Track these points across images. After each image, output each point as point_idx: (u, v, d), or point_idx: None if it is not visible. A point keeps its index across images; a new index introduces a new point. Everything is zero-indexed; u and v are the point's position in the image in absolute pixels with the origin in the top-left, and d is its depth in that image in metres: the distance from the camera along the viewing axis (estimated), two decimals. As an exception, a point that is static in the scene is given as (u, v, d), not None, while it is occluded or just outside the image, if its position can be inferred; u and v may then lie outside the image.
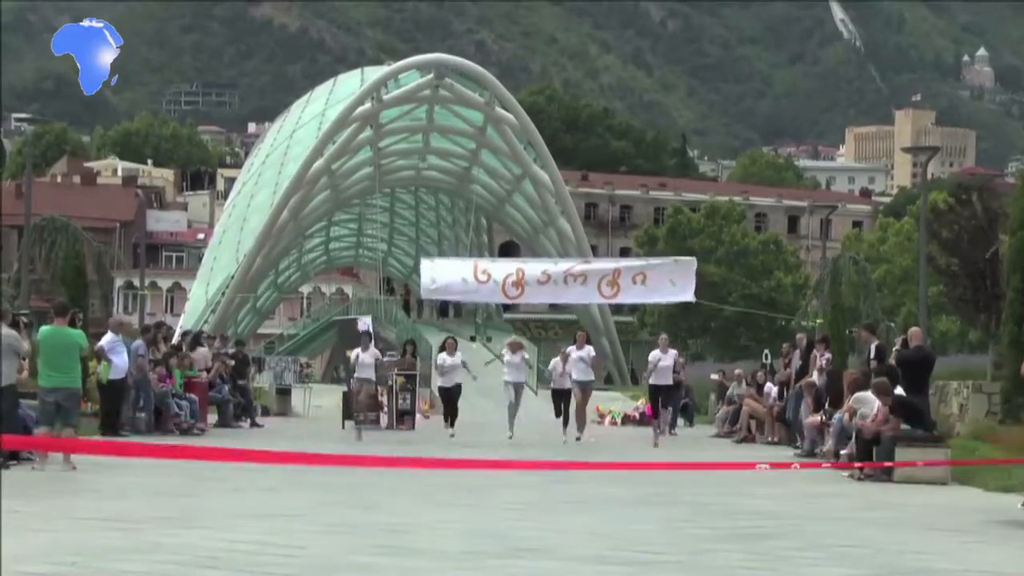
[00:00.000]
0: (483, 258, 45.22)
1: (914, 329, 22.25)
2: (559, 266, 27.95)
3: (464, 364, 27.86)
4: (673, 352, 27.03)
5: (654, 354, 26.68)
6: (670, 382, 26.92)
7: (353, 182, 61.87)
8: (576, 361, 25.63)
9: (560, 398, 26.99)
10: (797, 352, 26.54)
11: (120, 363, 23.15)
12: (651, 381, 26.50)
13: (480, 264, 28.43)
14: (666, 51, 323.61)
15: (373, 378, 28.21)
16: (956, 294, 35.90)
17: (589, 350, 26.32)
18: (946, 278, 36.32)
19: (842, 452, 19.91)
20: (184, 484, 14.75)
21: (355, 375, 28.18)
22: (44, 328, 17.21)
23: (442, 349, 28.01)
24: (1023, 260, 23.82)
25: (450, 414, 27.04)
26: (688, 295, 27.06)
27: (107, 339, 23.31)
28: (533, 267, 27.58)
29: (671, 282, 26.78)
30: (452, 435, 25.83)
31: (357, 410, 27.93)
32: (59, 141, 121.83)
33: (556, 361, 27.46)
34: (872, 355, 21.91)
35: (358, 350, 28.39)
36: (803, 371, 25.55)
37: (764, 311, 66.24)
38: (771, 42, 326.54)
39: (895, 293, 70.46)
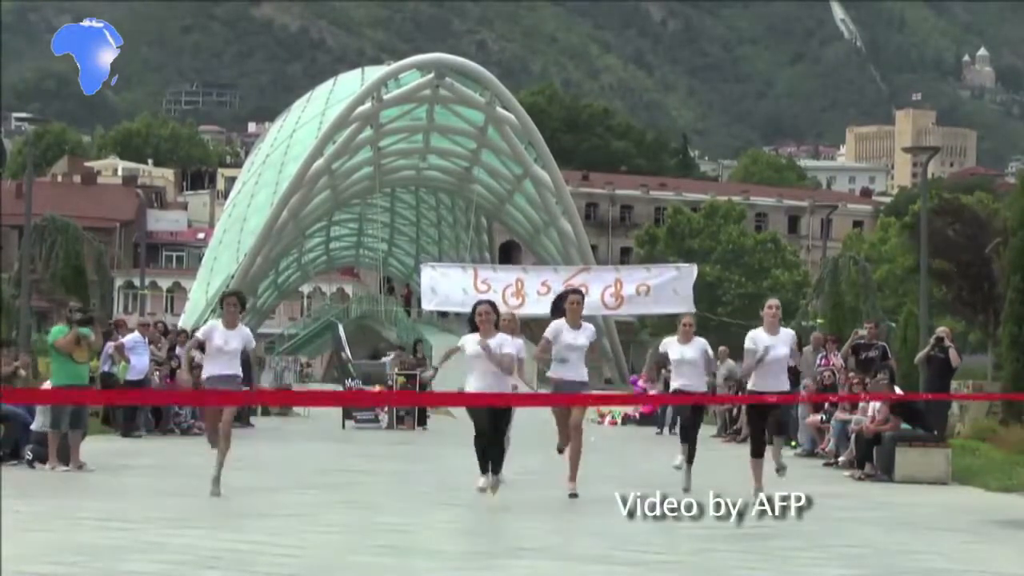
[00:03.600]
0: (484, 265, 45.06)
1: (944, 329, 22.28)
2: (559, 275, 27.98)
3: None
4: (701, 342, 15.52)
5: (673, 346, 15.71)
6: (699, 386, 15.72)
7: (353, 182, 61.86)
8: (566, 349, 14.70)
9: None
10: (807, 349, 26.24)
11: (140, 364, 23.11)
12: (674, 384, 15.72)
13: (480, 274, 28.44)
14: (667, 51, 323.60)
15: (236, 373, 14.26)
16: (953, 294, 35.98)
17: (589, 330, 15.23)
18: (942, 280, 36.39)
19: (841, 459, 19.92)
20: (184, 484, 14.74)
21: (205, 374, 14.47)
22: (56, 328, 17.20)
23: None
24: (1023, 260, 23.81)
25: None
26: (688, 304, 27.15)
27: (130, 338, 23.29)
28: (533, 278, 27.61)
29: (674, 291, 26.85)
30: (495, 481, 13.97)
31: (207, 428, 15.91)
32: (59, 141, 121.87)
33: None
34: (874, 354, 21.90)
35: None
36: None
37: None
38: (772, 42, 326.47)
39: (896, 293, 70.46)
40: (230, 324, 14.15)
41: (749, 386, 14.81)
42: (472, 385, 13.40)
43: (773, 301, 14.94)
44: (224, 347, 13.99)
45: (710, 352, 15.68)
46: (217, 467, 13.60)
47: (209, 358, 14.23)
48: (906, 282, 70.24)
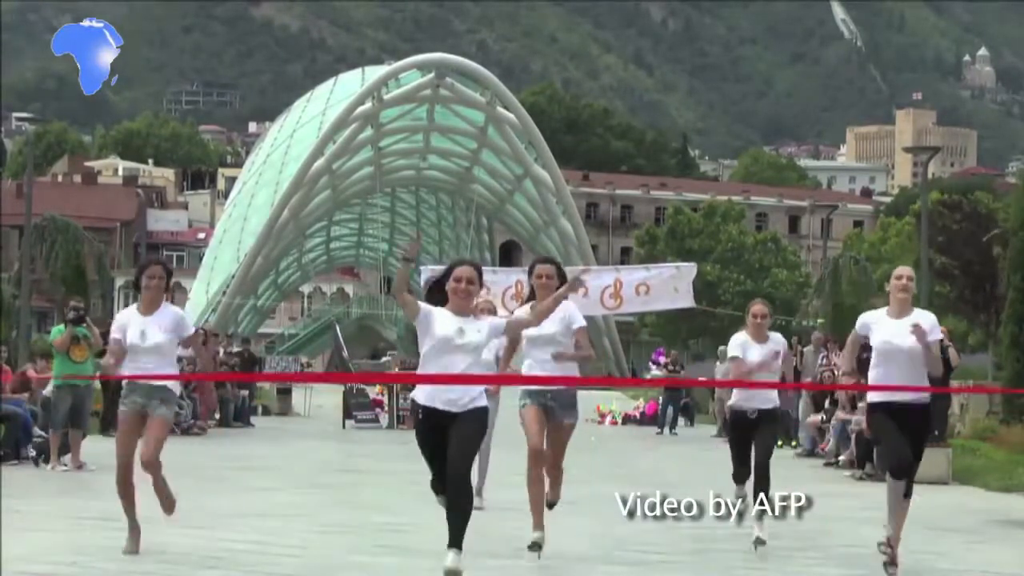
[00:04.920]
0: (483, 266, 45.05)
1: (942, 328, 22.26)
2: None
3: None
4: (778, 340, 11.23)
5: (744, 344, 11.11)
6: (772, 402, 11.06)
7: (353, 182, 61.85)
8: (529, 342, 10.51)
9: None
10: (808, 349, 26.18)
11: None
12: (735, 403, 11.16)
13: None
14: (667, 51, 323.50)
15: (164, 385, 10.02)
16: (955, 294, 36.02)
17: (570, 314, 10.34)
18: (944, 278, 36.44)
19: (841, 459, 19.92)
20: (184, 484, 14.73)
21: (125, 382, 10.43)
22: (56, 328, 17.23)
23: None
24: (1023, 260, 23.82)
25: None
26: (688, 300, 27.13)
27: None
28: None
29: (674, 289, 26.81)
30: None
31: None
32: (60, 141, 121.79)
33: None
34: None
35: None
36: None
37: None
38: (772, 42, 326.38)
39: (896, 293, 70.35)
40: (150, 307, 9.70)
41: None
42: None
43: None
44: (142, 343, 9.60)
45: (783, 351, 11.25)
46: (130, 526, 9.65)
47: (128, 360, 9.69)
48: (906, 282, 70.12)
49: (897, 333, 9.56)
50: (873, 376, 9.70)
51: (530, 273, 10.22)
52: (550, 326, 9.79)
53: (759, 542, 10.23)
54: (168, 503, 9.89)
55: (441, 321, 8.64)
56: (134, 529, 9.60)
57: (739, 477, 10.90)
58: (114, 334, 9.76)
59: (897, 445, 9.48)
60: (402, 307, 9.08)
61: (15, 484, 13.71)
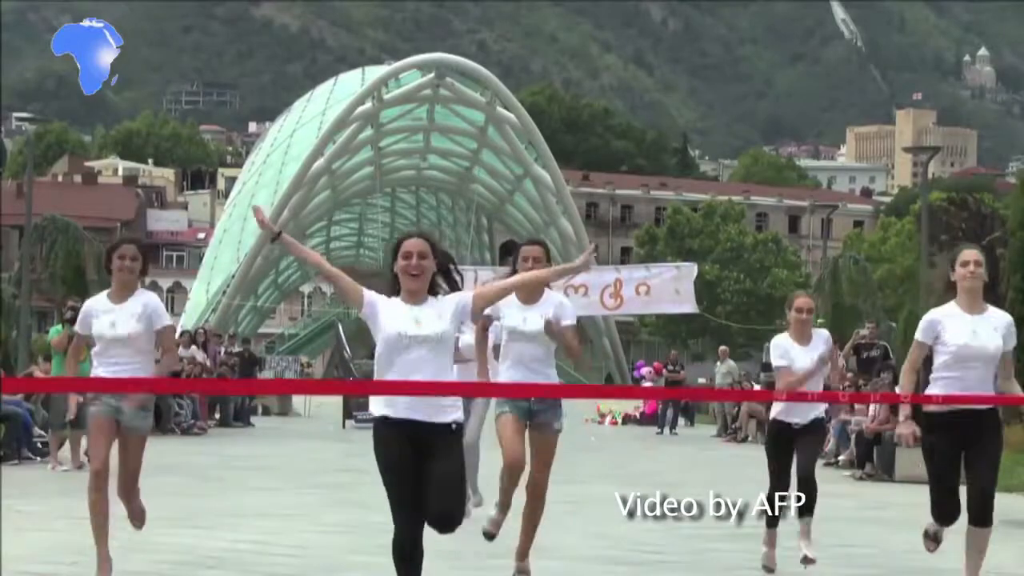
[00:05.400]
0: (483, 267, 44.96)
1: None
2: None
3: None
4: (824, 337, 9.68)
5: (788, 350, 9.64)
6: (816, 410, 9.66)
7: (353, 182, 61.88)
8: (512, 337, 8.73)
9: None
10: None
11: None
12: (777, 415, 9.77)
13: (480, 275, 28.40)
14: (667, 51, 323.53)
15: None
16: (956, 294, 35.95)
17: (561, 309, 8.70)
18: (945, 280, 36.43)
19: (841, 459, 19.92)
20: (184, 484, 14.74)
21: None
22: (55, 328, 17.22)
23: None
24: (1023, 260, 23.80)
25: None
26: (691, 305, 27.11)
27: None
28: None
29: (676, 291, 26.77)
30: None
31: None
32: (60, 141, 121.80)
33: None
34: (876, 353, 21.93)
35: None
36: None
37: (762, 309, 66.28)
38: (772, 42, 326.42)
39: (896, 293, 70.45)
40: (121, 293, 8.28)
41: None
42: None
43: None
44: (111, 332, 8.19)
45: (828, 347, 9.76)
46: (99, 558, 8.36)
47: (97, 356, 8.27)
48: (906, 282, 70.25)
49: (974, 333, 8.18)
50: (943, 385, 8.27)
51: (515, 257, 8.73)
52: (537, 321, 8.36)
53: (807, 561, 9.34)
54: (140, 521, 8.79)
55: (389, 312, 6.78)
56: (104, 562, 8.27)
57: (777, 493, 9.55)
58: (78, 327, 8.35)
59: (949, 493, 8.40)
60: (339, 295, 7.45)
61: (15, 484, 13.70)
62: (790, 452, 9.50)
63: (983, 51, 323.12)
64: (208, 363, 28.45)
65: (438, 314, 6.77)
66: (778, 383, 9.62)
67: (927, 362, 8.55)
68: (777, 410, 9.64)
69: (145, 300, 8.29)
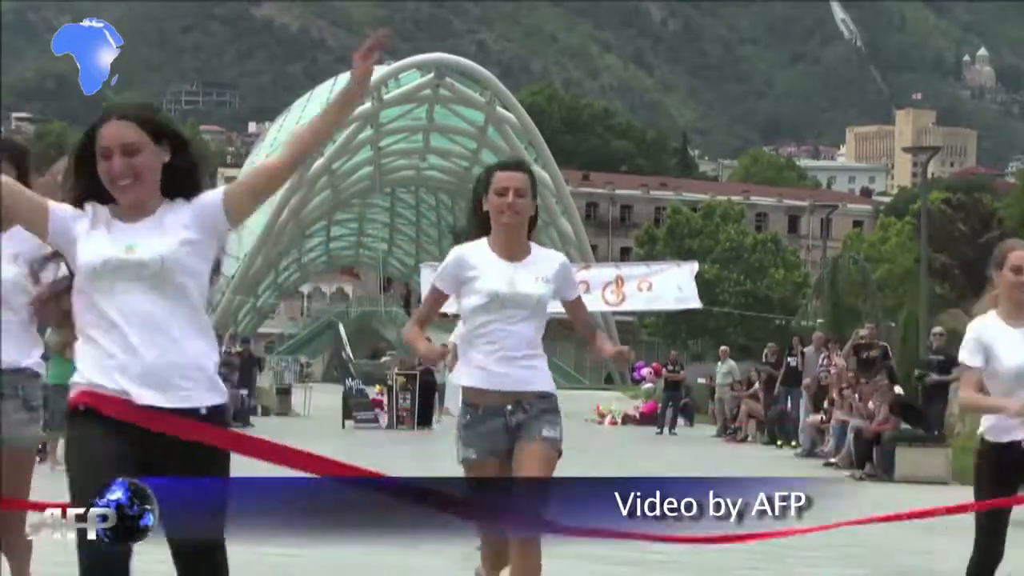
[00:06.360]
0: None
1: (940, 328, 22.33)
2: None
3: None
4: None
5: (995, 335, 6.26)
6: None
7: (353, 182, 61.90)
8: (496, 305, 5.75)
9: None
10: (809, 349, 26.13)
11: None
12: (993, 433, 6.43)
13: None
14: (667, 51, 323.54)
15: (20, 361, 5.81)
16: (955, 294, 36.04)
17: (563, 271, 6.26)
18: (943, 277, 36.52)
19: (841, 459, 19.89)
20: (184, 484, 14.71)
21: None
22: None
23: None
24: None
25: None
26: (694, 301, 27.08)
27: None
28: None
29: (678, 288, 26.71)
30: None
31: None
32: (60, 141, 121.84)
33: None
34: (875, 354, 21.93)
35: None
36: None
37: (761, 309, 66.25)
38: (772, 42, 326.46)
39: (896, 293, 70.49)
40: None
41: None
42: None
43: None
44: None
45: None
46: None
47: None
48: (906, 282, 70.27)
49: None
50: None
51: (486, 184, 6.01)
52: (529, 284, 5.77)
53: None
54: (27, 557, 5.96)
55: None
56: None
57: (989, 567, 6.56)
58: None
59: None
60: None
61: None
62: (1013, 494, 6.41)
63: (983, 51, 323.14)
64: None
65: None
66: (964, 388, 6.39)
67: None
68: (992, 422, 6.42)
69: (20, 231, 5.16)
